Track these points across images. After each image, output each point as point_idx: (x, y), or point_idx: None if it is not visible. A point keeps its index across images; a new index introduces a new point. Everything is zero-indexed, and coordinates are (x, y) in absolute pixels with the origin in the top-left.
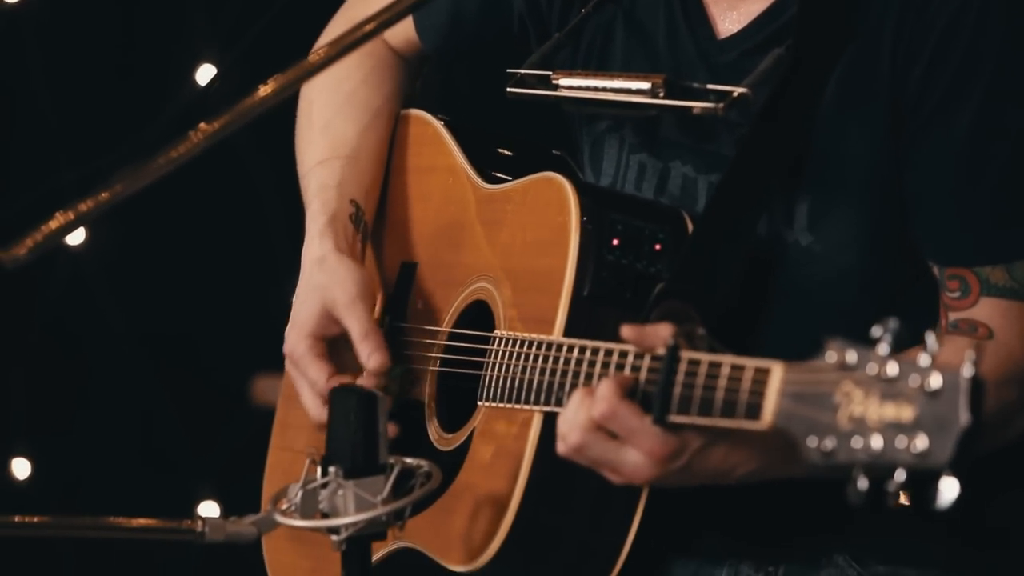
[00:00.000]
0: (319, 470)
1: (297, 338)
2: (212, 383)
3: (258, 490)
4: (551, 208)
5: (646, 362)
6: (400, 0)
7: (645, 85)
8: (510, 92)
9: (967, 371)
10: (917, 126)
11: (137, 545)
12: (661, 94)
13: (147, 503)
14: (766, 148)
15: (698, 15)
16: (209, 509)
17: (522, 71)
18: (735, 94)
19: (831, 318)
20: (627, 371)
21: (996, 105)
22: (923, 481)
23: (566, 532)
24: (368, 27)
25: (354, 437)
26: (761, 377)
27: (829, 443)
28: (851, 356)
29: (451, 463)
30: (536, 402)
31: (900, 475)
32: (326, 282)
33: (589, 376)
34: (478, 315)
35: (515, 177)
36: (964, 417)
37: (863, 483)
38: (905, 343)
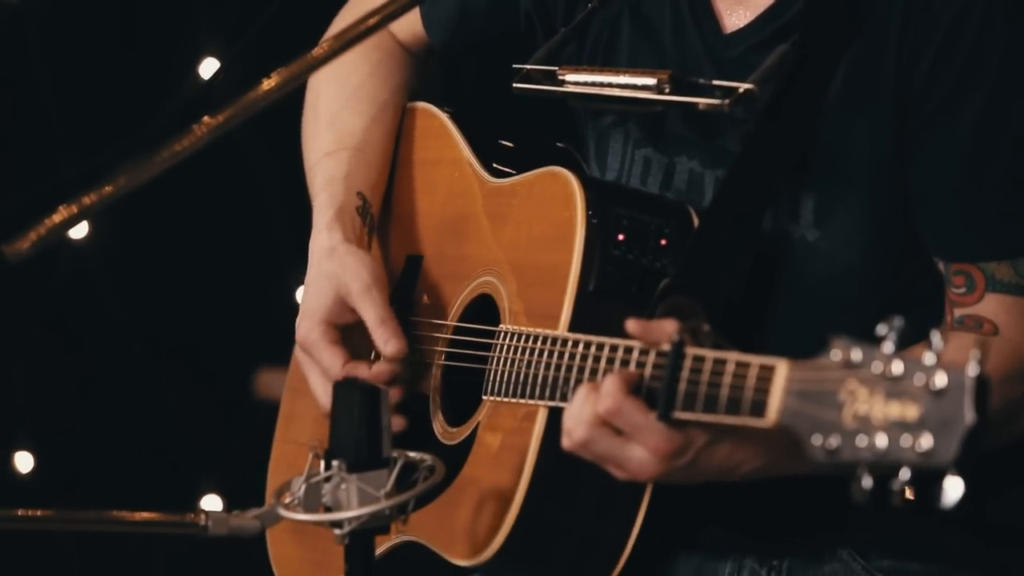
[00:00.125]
0: (322, 464)
1: (310, 325)
2: (215, 377)
3: (261, 484)
4: (557, 202)
5: (651, 358)
6: None
7: (651, 81)
8: (516, 87)
9: (972, 370)
10: (922, 123)
11: (140, 539)
12: (667, 90)
13: (150, 497)
14: (772, 144)
15: (704, 10)
16: (212, 503)
17: (528, 67)
18: (741, 90)
19: (835, 314)
20: (632, 367)
21: (1001, 102)
22: (928, 480)
23: (570, 527)
24: (373, 20)
25: (357, 431)
26: (766, 374)
27: (834, 441)
28: (856, 354)
29: (455, 457)
30: (541, 397)
31: (905, 474)
32: (338, 271)
33: (594, 371)
34: (483, 309)
35: (521, 171)
36: (969, 416)
37: (867, 482)
38: (909, 339)
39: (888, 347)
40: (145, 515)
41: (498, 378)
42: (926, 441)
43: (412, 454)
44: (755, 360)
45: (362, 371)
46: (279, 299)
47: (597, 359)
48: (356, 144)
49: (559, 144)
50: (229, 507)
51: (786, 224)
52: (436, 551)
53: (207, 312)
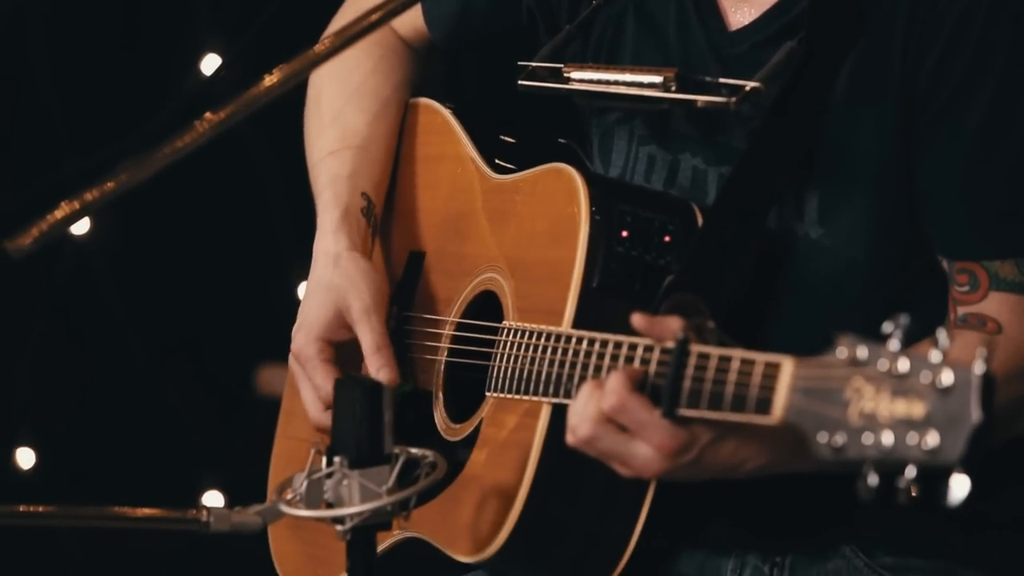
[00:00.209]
0: (324, 460)
1: (306, 340)
2: (217, 373)
3: (263, 480)
4: (560, 199)
5: (655, 355)
6: None
7: (657, 79)
8: (521, 85)
9: (979, 368)
10: (927, 120)
11: (141, 535)
12: (673, 88)
13: (152, 493)
14: (777, 141)
15: (709, 7)
16: (214, 499)
17: (533, 64)
18: (747, 88)
19: (840, 311)
20: (636, 364)
21: (1007, 100)
22: (934, 478)
23: (574, 523)
24: (375, 16)
25: (359, 427)
26: (771, 372)
27: (839, 439)
28: (862, 352)
29: (459, 453)
30: (544, 394)
31: (911, 472)
32: (341, 284)
33: (598, 368)
34: (486, 305)
35: (523, 167)
36: (976, 414)
37: (873, 479)
38: (914, 336)
39: (894, 345)
40: (147, 511)
41: (501, 374)
42: (932, 439)
43: (414, 450)
44: (760, 357)
45: None
46: (280, 295)
47: (601, 356)
48: (360, 142)
49: (562, 140)
50: (231, 503)
51: (790, 221)
52: (439, 547)
53: (209, 309)
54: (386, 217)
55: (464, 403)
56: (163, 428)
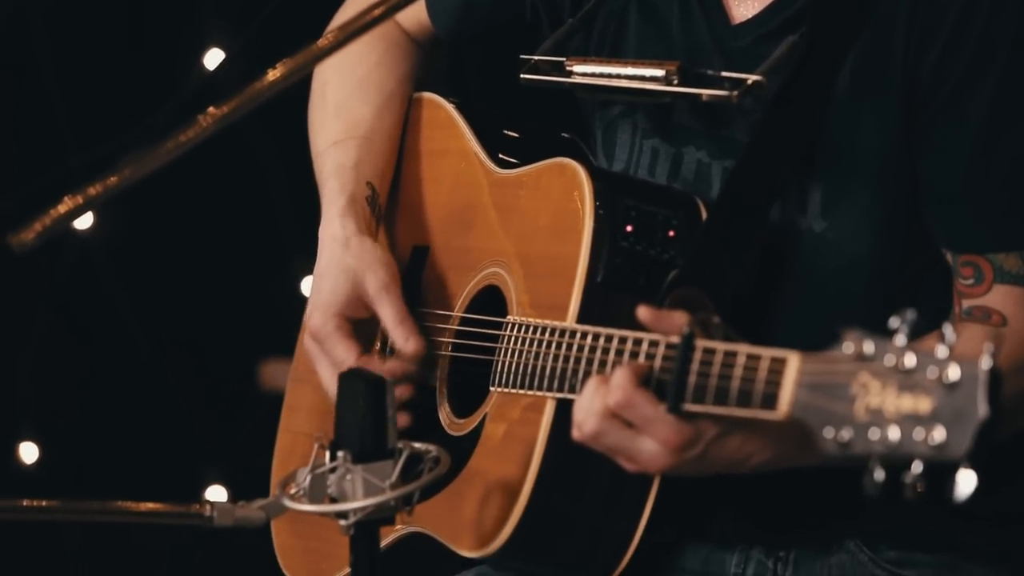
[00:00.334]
0: (328, 454)
1: (324, 317)
2: (220, 368)
3: (266, 475)
4: (564, 194)
5: (661, 350)
6: None
7: (659, 72)
8: (523, 78)
9: (985, 363)
10: (930, 113)
11: (145, 530)
12: (675, 81)
13: (155, 488)
14: (780, 135)
15: (712, 0)
16: (217, 494)
17: (535, 57)
18: (750, 82)
19: (844, 305)
20: (641, 359)
21: (1010, 92)
22: (940, 473)
23: (578, 518)
24: (379, 10)
25: (363, 422)
26: (777, 367)
27: (846, 434)
28: (868, 347)
29: (462, 448)
30: (549, 388)
31: (917, 467)
32: (355, 266)
33: (603, 363)
34: (490, 300)
35: (527, 161)
36: (982, 409)
37: (880, 474)
38: (918, 330)
39: (900, 340)
40: (150, 506)
41: (505, 369)
42: (939, 434)
43: (417, 445)
44: (766, 352)
45: (375, 366)
46: (284, 290)
47: (606, 351)
48: (364, 133)
49: (565, 135)
50: (234, 498)
51: (793, 215)
52: (443, 542)
53: (212, 303)
54: (390, 211)
55: (468, 398)
56: (166, 423)
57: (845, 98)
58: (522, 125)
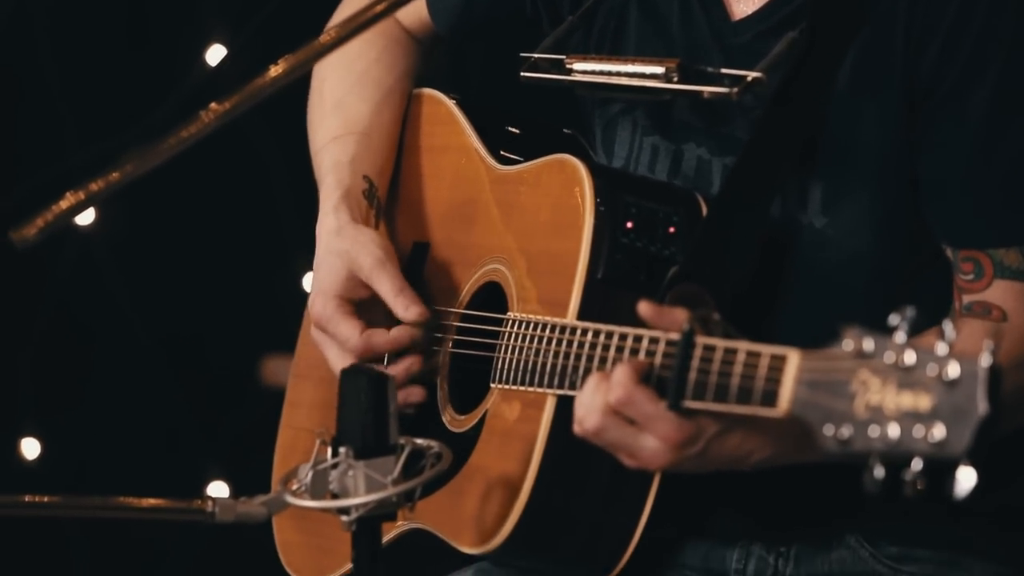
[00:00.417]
0: (329, 450)
1: (324, 300)
2: (221, 364)
3: (267, 470)
4: (565, 190)
5: (661, 347)
6: None
7: (659, 70)
8: (523, 76)
9: (985, 360)
10: (931, 109)
11: (146, 525)
12: (675, 79)
13: (156, 483)
14: (780, 132)
15: None
16: (219, 489)
17: (535, 55)
18: (750, 78)
19: (844, 301)
20: (642, 355)
21: (1010, 88)
22: (940, 470)
23: (579, 514)
24: (380, 7)
25: (364, 417)
26: (777, 364)
27: (846, 431)
28: (868, 344)
29: (463, 445)
30: (549, 385)
31: (917, 464)
32: (348, 247)
33: (603, 360)
34: (491, 296)
35: (528, 158)
36: (982, 407)
37: (880, 472)
38: (919, 325)
39: (900, 337)
40: (151, 501)
41: (506, 366)
42: (939, 431)
43: (419, 441)
44: (766, 350)
45: (381, 337)
46: (285, 286)
47: (606, 347)
48: (362, 129)
49: (566, 131)
50: (236, 494)
51: (794, 211)
52: (444, 539)
53: (213, 299)
54: (390, 208)
55: (469, 394)
56: (168, 418)
57: (845, 94)
58: (523, 121)
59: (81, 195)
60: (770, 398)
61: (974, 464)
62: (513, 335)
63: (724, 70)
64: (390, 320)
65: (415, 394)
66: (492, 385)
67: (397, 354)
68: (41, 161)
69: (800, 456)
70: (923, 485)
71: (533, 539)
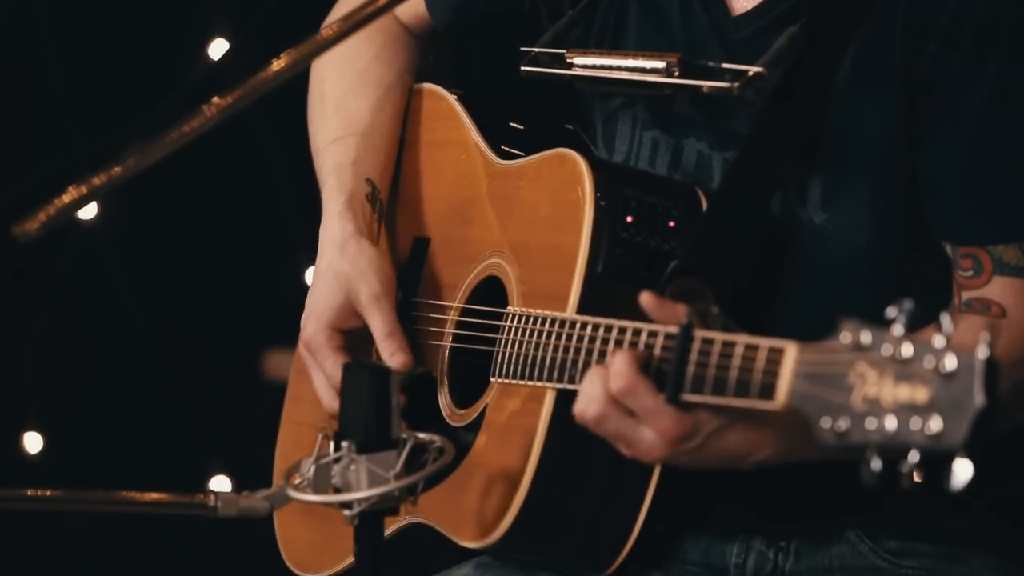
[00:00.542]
0: (332, 445)
1: (316, 328)
2: (224, 358)
3: (270, 465)
4: (565, 184)
5: (660, 340)
6: None
7: (660, 64)
8: (524, 71)
9: (982, 353)
10: (930, 104)
11: (149, 520)
12: (676, 73)
13: (159, 478)
14: (780, 127)
15: None
16: (221, 484)
17: (536, 50)
18: (750, 73)
19: (844, 297)
20: (640, 349)
21: (1009, 83)
22: (937, 462)
23: (578, 508)
24: (379, 3)
25: (367, 412)
26: (775, 357)
27: (843, 424)
28: (865, 337)
29: (463, 439)
30: (549, 379)
31: (914, 456)
32: (348, 272)
33: (602, 354)
34: (491, 291)
35: (528, 152)
36: (979, 399)
37: (877, 464)
38: (919, 322)
39: (898, 329)
40: (154, 496)
41: (506, 360)
42: (935, 424)
43: (421, 435)
44: (764, 343)
45: None
46: (287, 280)
47: (605, 341)
48: (363, 129)
49: (567, 126)
50: (238, 488)
51: (794, 207)
52: (444, 533)
53: (216, 293)
54: (391, 203)
55: (469, 389)
56: (170, 413)
57: (845, 90)
58: (523, 116)
59: (84, 189)
60: (768, 391)
61: (971, 456)
62: (513, 329)
63: (725, 65)
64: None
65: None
66: (492, 379)
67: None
68: (44, 155)
69: (800, 456)
70: (920, 477)
71: (533, 533)
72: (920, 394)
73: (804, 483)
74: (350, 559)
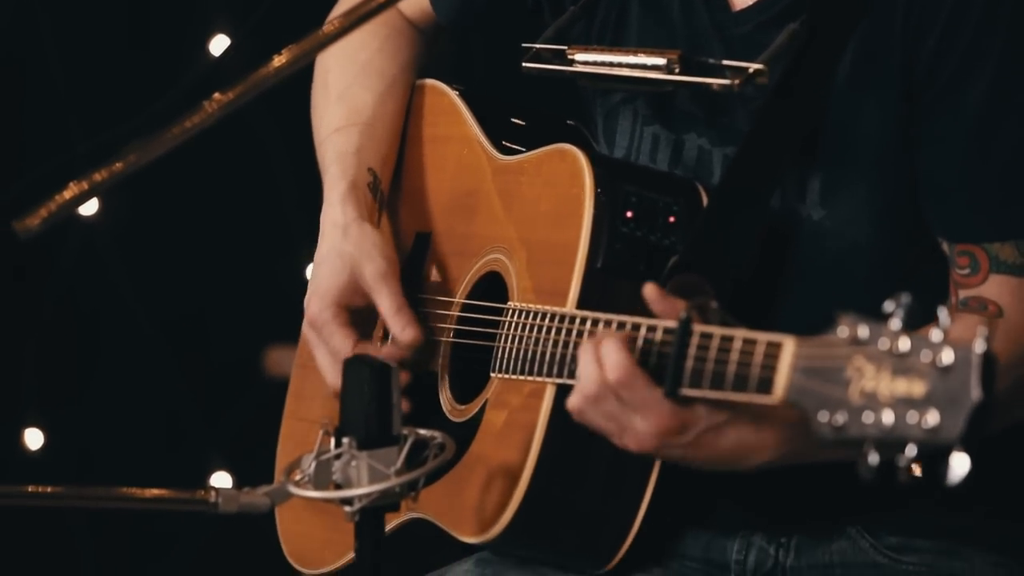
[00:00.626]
0: (333, 441)
1: (321, 306)
2: (225, 353)
3: (270, 461)
4: (565, 180)
5: (659, 335)
6: None
7: (661, 61)
8: (525, 67)
9: (979, 347)
10: (928, 101)
11: (150, 516)
12: (677, 70)
13: (160, 474)
14: (780, 123)
15: None
16: (222, 480)
17: (537, 46)
18: (751, 70)
19: (843, 293)
20: (639, 343)
21: (1008, 80)
22: (934, 456)
23: (578, 504)
24: None
25: (367, 408)
26: (773, 351)
27: (840, 418)
28: (863, 331)
29: (464, 434)
30: (549, 374)
31: (911, 450)
32: (353, 253)
33: None
34: (492, 286)
35: (529, 148)
36: (976, 393)
37: (874, 458)
38: (918, 318)
39: (895, 324)
40: (155, 492)
41: (506, 355)
42: (932, 418)
43: (422, 431)
44: (762, 337)
45: (371, 353)
46: (289, 276)
47: None
48: (366, 119)
49: (568, 121)
50: (239, 484)
51: (793, 202)
52: (445, 528)
53: (216, 290)
54: (393, 197)
55: (469, 384)
56: (171, 409)
57: (845, 86)
58: (525, 111)
59: (84, 185)
60: (766, 385)
61: (967, 450)
62: (513, 324)
63: (726, 62)
64: (384, 330)
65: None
66: (492, 375)
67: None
68: (44, 151)
69: (799, 460)
70: (918, 471)
71: (532, 528)
72: (917, 388)
73: (805, 479)
74: (351, 554)
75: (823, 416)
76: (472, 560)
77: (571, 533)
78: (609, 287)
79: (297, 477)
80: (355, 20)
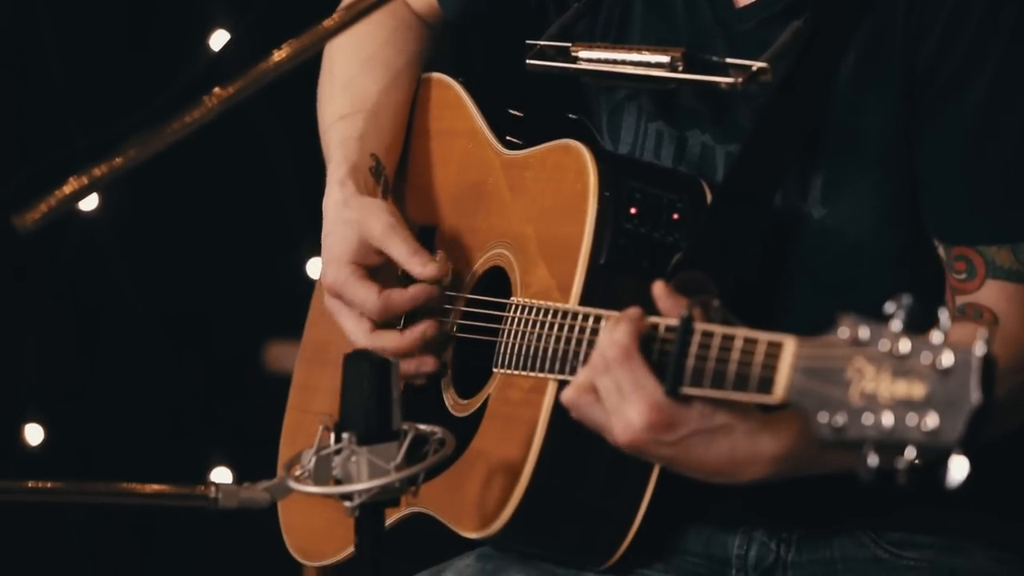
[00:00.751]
0: (332, 436)
1: (337, 268)
2: (225, 349)
3: (271, 457)
4: (569, 175)
5: (660, 333)
6: None
7: (664, 59)
8: (529, 64)
9: (979, 350)
10: (928, 101)
11: (150, 511)
12: (680, 68)
13: (160, 469)
14: (784, 121)
15: None
16: (222, 475)
17: (541, 43)
18: (754, 68)
19: (845, 292)
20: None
21: (1008, 82)
22: (933, 458)
23: (579, 500)
24: None
25: (367, 403)
26: (774, 351)
27: (840, 419)
28: (864, 332)
29: (466, 429)
30: (551, 370)
31: (910, 452)
32: (358, 216)
33: None
34: (495, 281)
35: (535, 143)
36: (975, 396)
37: (873, 460)
38: (918, 319)
39: (896, 325)
40: (155, 487)
41: (509, 351)
42: (932, 420)
43: (422, 427)
44: (763, 336)
45: (399, 296)
46: (289, 271)
47: None
48: (371, 108)
49: (573, 116)
50: (239, 479)
51: (795, 201)
52: (445, 523)
53: (217, 284)
54: (398, 191)
55: (472, 379)
56: (171, 404)
57: (848, 85)
58: (530, 106)
59: (84, 180)
60: (766, 384)
61: (967, 453)
62: (516, 320)
63: (729, 60)
64: (403, 285)
65: (428, 363)
66: (494, 370)
67: (410, 320)
68: (44, 146)
69: (794, 475)
70: (918, 473)
71: (533, 524)
72: (917, 390)
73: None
74: (351, 549)
75: (823, 417)
76: (473, 555)
77: (572, 529)
78: (612, 283)
79: (297, 472)
80: (358, 14)
